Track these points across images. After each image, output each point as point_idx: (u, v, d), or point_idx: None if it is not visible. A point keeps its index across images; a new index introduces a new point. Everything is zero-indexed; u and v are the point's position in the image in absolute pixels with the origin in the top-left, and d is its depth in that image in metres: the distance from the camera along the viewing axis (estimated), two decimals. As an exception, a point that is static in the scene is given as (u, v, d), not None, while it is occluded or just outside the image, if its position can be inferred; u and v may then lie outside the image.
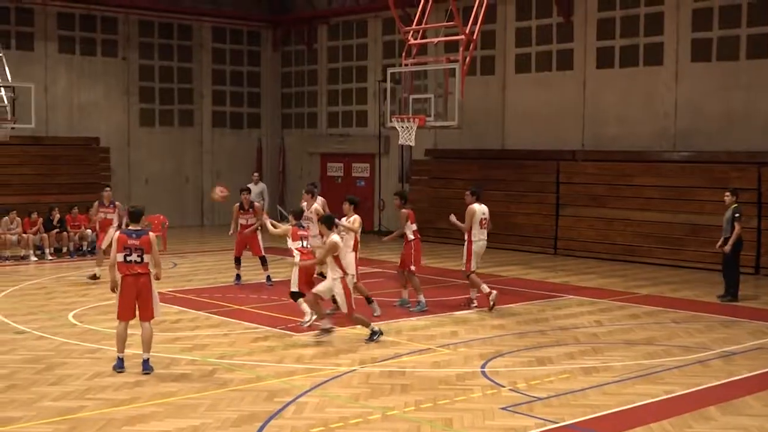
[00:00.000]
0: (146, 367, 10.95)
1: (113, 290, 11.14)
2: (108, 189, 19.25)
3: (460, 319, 14.79)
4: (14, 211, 22.26)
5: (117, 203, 19.04)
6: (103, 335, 13.09)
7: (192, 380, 10.68)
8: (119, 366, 11.00)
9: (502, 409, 9.53)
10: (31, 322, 14.19)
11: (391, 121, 19.74)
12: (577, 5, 24.61)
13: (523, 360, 11.82)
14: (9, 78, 24.16)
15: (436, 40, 20.25)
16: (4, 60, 24.53)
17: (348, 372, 11.09)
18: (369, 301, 14.70)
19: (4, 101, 23.40)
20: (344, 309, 12.50)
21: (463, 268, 15.60)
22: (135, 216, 11.23)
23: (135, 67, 29.84)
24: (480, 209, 15.60)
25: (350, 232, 14.36)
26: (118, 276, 10.97)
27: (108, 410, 9.43)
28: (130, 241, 10.97)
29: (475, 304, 15.76)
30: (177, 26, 30.71)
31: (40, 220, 22.48)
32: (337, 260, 12.44)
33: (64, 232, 22.79)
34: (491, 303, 15.28)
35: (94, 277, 18.38)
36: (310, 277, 13.73)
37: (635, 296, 17.27)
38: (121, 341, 11.10)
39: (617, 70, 23.82)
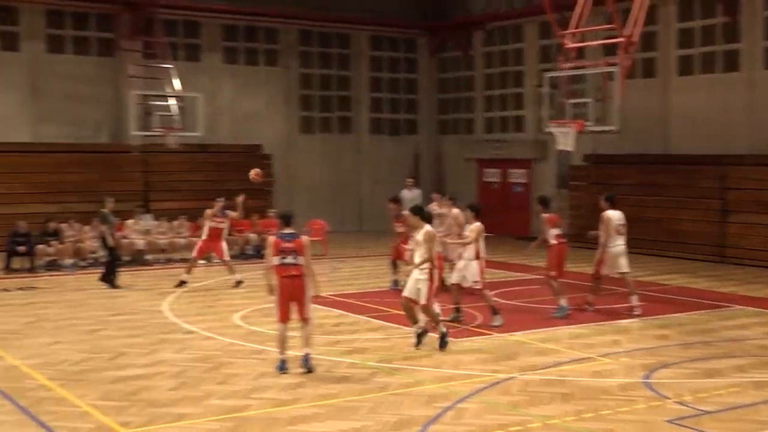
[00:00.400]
0: (306, 363, 11.19)
1: (270, 294, 11.44)
2: (220, 199, 19.72)
3: (621, 328, 14.45)
4: (184, 216, 23.18)
5: (228, 212, 19.36)
6: (267, 337, 13.44)
7: (352, 383, 10.83)
8: (282, 367, 11.28)
9: (668, 421, 9.24)
10: (199, 323, 14.73)
11: (548, 126, 19.51)
12: (743, 4, 23.68)
13: (688, 371, 11.43)
14: (178, 88, 25.29)
15: (594, 43, 19.89)
16: (173, 72, 25.66)
17: (507, 379, 11.00)
18: (494, 312, 14.40)
19: (173, 110, 24.47)
20: (422, 300, 12.31)
21: (596, 271, 15.57)
22: (287, 220, 11.53)
23: (295, 75, 30.56)
24: (615, 215, 15.46)
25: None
26: (275, 279, 11.25)
27: (272, 410, 9.67)
28: (285, 244, 11.25)
29: (637, 312, 15.39)
30: (336, 35, 31.28)
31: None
32: (429, 251, 12.26)
33: (229, 236, 23.50)
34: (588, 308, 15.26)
35: (181, 284, 18.57)
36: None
37: (809, 307, 16.49)
38: (282, 343, 11.38)
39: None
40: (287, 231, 11.40)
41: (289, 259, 11.17)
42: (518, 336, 13.64)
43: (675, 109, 25.25)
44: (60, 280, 19.66)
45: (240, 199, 19.20)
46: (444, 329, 12.53)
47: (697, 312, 15.91)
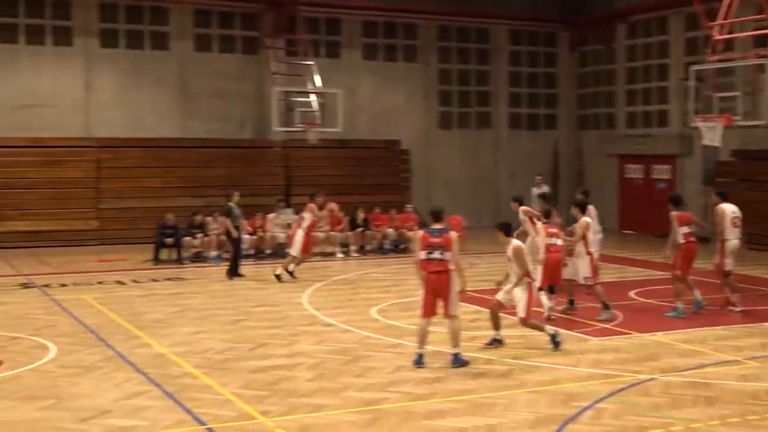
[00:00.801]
0: (457, 360, 11.24)
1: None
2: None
3: (765, 330, 13.89)
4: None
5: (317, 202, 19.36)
6: (403, 331, 13.51)
7: (489, 379, 10.77)
8: (418, 361, 11.31)
9: (820, 429, 8.82)
10: (337, 316, 14.94)
11: (694, 121, 18.92)
12: None
13: (844, 378, 10.88)
14: (319, 85, 25.72)
15: (743, 34, 19.17)
16: (314, 68, 26.10)
17: (648, 380, 10.73)
18: (605, 306, 14.39)
19: (314, 106, 24.88)
20: (520, 313, 12.05)
21: (720, 268, 15.24)
22: (437, 215, 11.62)
23: (434, 71, 30.60)
24: (730, 208, 15.34)
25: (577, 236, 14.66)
26: (422, 273, 11.34)
27: (408, 404, 9.72)
28: (432, 240, 11.30)
29: (737, 309, 15.06)
30: (474, 30, 31.15)
31: (346, 219, 23.64)
32: (523, 265, 12.00)
33: (367, 231, 23.80)
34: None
35: (279, 277, 18.67)
36: (555, 272, 14.21)
37: None
38: (422, 337, 11.42)
39: None
40: (436, 226, 11.48)
41: (436, 255, 11.25)
42: (659, 336, 13.28)
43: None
44: (204, 271, 20.29)
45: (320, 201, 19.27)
46: (551, 331, 12.33)
47: None
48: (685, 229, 14.96)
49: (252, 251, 22.36)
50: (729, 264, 15.23)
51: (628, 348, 12.49)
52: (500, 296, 12.39)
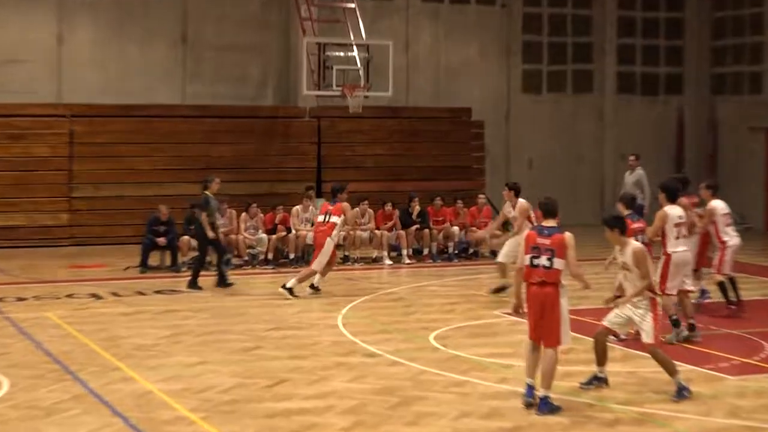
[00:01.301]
0: (545, 406, 11.22)
1: (517, 309, 11.96)
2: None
3: None
4: (367, 201, 23.45)
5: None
6: (472, 364, 13.38)
7: (590, 430, 10.63)
8: (528, 395, 11.43)
9: None
10: (383, 343, 14.84)
11: None
12: None
13: None
14: (363, 35, 25.56)
15: None
16: (357, 12, 25.92)
17: (806, 435, 10.50)
18: (675, 324, 14.66)
19: (357, 63, 24.78)
20: (647, 339, 11.87)
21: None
22: (549, 209, 11.80)
23: (518, 16, 30.47)
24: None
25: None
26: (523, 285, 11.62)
27: (477, 464, 9.59)
28: (540, 240, 11.47)
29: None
30: (572, -39, 31.06)
31: (397, 213, 23.54)
32: (646, 275, 11.84)
33: (426, 229, 23.68)
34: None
35: (291, 291, 18.73)
36: None
37: None
38: (530, 364, 11.57)
39: None
40: (546, 224, 11.66)
41: (542, 261, 11.38)
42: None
43: None
44: (207, 281, 20.33)
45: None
46: (681, 381, 12.04)
47: None
48: None
49: (270, 256, 22.37)
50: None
51: (779, 390, 12.30)
52: (609, 320, 12.20)
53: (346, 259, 22.86)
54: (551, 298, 11.34)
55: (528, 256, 11.49)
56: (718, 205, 16.70)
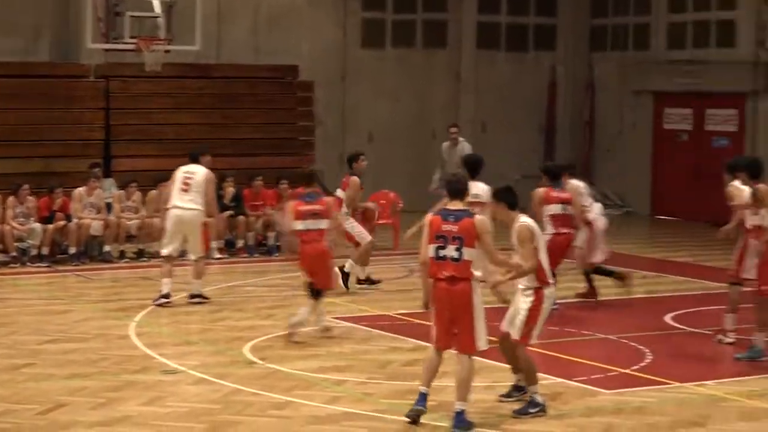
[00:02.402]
0: (460, 422, 11.47)
1: (426, 306, 11.93)
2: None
3: None
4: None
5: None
6: (296, 381, 13.52)
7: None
8: (418, 403, 11.65)
9: None
10: (186, 357, 14.87)
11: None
12: None
13: None
14: (162, -27, 25.37)
15: None
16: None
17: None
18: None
19: (155, 9, 24.58)
20: (515, 334, 12.27)
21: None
22: (456, 189, 11.98)
23: (354, -48, 30.59)
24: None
25: None
26: (430, 281, 11.64)
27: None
28: (446, 227, 11.62)
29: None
30: None
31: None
32: (531, 257, 12.12)
33: (240, 216, 23.72)
34: None
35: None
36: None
37: None
38: (427, 374, 11.79)
39: None
40: (453, 207, 11.83)
41: (450, 252, 11.52)
42: (710, 387, 13.55)
43: None
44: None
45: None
46: (537, 396, 12.42)
47: None
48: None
49: (46, 250, 22.13)
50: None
51: (661, 407, 12.67)
52: (508, 320, 12.51)
53: (140, 255, 22.76)
54: (464, 296, 11.49)
55: (432, 247, 11.58)
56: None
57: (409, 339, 15.84)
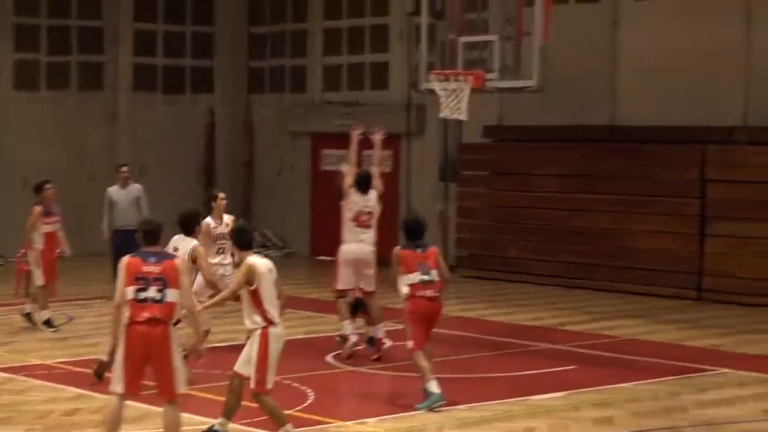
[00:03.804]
0: None
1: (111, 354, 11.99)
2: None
3: (538, 407, 14.79)
4: None
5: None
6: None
7: None
8: None
9: None
10: None
11: (428, 80, 19.73)
12: None
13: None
14: None
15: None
16: None
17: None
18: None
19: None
20: (252, 383, 12.39)
21: None
22: (150, 232, 11.89)
23: (6, -10, 30.03)
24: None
25: None
26: (123, 321, 11.44)
27: None
28: (146, 268, 11.50)
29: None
30: None
31: None
32: (256, 299, 12.40)
33: None
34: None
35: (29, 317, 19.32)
36: None
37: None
38: (111, 423, 11.53)
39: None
40: (150, 249, 11.78)
41: (152, 293, 11.45)
42: (372, 425, 13.82)
43: (628, 53, 25.79)
44: None
45: None
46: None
47: (659, 380, 16.41)
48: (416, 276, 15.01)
49: None
50: None
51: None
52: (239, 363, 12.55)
53: None
54: (162, 339, 11.40)
55: (131, 289, 11.46)
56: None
57: (69, 388, 15.56)
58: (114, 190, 23.38)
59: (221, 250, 17.80)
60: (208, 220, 18.33)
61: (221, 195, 19.00)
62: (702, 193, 24.03)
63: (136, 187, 23.63)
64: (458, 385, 16.02)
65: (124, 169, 23.93)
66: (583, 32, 26.03)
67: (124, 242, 22.37)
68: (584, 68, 25.93)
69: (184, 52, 32.49)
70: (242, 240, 12.71)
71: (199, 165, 32.04)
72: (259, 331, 12.21)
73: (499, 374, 16.56)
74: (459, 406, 14.65)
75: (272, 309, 12.29)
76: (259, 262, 12.38)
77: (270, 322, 12.24)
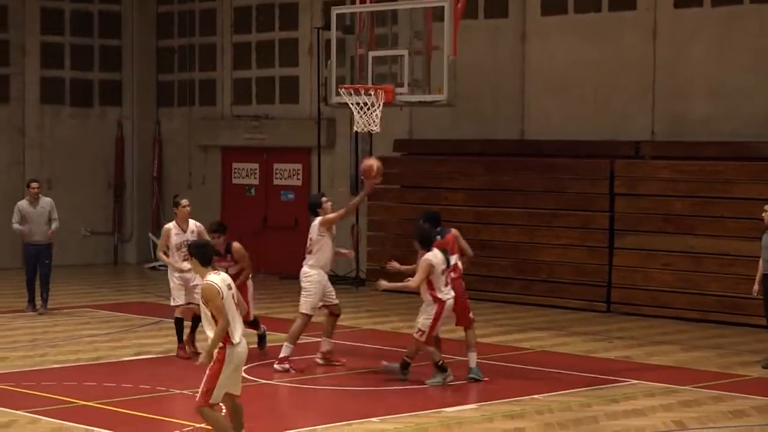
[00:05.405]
0: None
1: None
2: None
3: (451, 418, 14.90)
4: None
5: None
6: None
7: None
8: None
9: None
10: None
11: (338, 94, 19.76)
12: None
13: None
14: None
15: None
16: None
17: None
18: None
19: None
20: (198, 396, 12.48)
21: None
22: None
23: None
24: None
25: None
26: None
27: None
28: None
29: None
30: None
31: None
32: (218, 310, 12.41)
33: None
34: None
35: None
36: None
37: (740, 380, 17.44)
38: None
39: (708, 11, 23.95)
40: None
41: None
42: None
43: (536, 68, 26.02)
44: None
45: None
46: None
47: (571, 391, 16.59)
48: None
49: None
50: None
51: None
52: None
53: None
54: None
55: None
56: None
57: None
58: (24, 205, 23.19)
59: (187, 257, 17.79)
60: (170, 225, 18.46)
61: (184, 202, 19.15)
62: (611, 206, 24.28)
63: (47, 201, 23.48)
64: (372, 397, 16.23)
65: (35, 185, 23.68)
66: (492, 47, 26.30)
67: (36, 256, 22.67)
68: (494, 82, 26.23)
69: (92, 65, 32.30)
70: (203, 255, 12.55)
71: (108, 178, 31.86)
72: (216, 350, 12.18)
73: (411, 386, 16.61)
74: (372, 419, 14.74)
75: (232, 327, 12.23)
76: (217, 279, 12.34)
77: (228, 342, 12.17)
